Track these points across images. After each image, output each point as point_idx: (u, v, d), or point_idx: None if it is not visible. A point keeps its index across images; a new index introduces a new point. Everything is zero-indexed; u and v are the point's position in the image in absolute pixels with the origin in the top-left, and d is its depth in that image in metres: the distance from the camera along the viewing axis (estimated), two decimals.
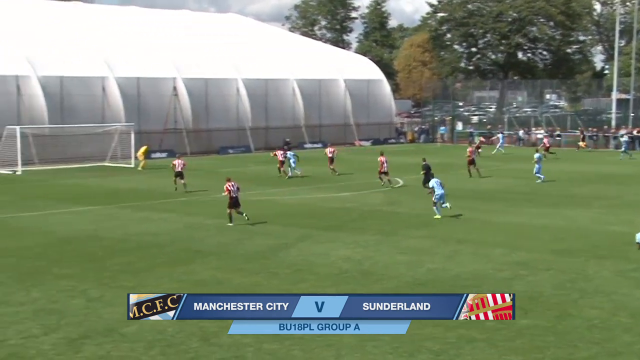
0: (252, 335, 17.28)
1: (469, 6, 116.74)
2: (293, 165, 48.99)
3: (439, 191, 33.05)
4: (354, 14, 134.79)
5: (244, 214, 31.30)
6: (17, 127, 52.73)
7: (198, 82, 68.21)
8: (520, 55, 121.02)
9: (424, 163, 42.49)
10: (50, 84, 59.66)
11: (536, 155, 47.08)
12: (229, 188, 31.16)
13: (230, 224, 31.12)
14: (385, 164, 43.48)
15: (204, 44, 76.47)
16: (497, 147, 68.68)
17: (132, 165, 54.77)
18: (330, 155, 50.66)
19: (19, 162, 51.58)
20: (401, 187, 44.07)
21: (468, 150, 50.09)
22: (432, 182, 33.59)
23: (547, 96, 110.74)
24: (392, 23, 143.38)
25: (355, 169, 53.65)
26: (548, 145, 64.29)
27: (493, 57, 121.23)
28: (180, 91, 66.66)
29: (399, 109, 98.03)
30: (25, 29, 66.38)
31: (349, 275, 23.08)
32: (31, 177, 49.32)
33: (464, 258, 25.50)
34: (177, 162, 42.51)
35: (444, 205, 33.07)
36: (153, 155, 59.48)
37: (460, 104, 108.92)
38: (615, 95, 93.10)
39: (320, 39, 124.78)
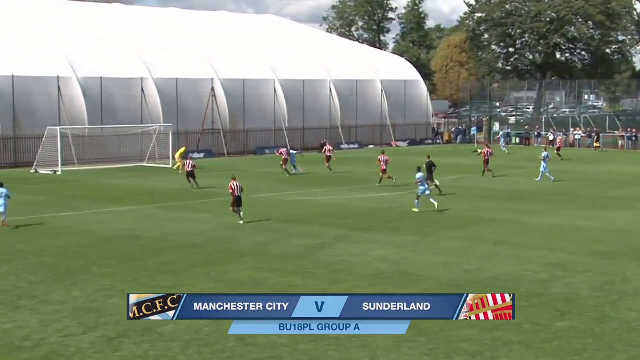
0: (288, 335, 17.32)
1: (507, 6, 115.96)
2: (294, 163, 51.17)
3: (422, 187, 34.60)
4: (391, 15, 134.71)
5: (241, 214, 31.79)
6: (58, 128, 53.18)
7: (236, 82, 68.44)
8: (558, 55, 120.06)
9: (427, 161, 41.87)
10: (90, 85, 60.17)
11: (543, 154, 47.29)
12: (232, 187, 31.65)
13: (241, 222, 31.49)
14: (382, 163, 44.38)
15: (242, 44, 76.80)
16: (501, 147, 68.50)
17: (170, 166, 55.11)
18: (329, 154, 52.23)
19: (59, 162, 52.04)
20: (436, 189, 43.83)
21: (484, 149, 50.62)
22: (419, 175, 35.02)
23: (586, 97, 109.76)
24: (430, 23, 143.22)
25: (392, 170, 53.48)
26: (559, 145, 64.57)
27: (531, 57, 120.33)
28: (217, 92, 66.94)
29: (435, 109, 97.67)
30: (66, 30, 67.10)
31: (386, 276, 23.03)
32: (71, 177, 49.81)
33: (501, 259, 25.34)
34: (188, 162, 44.05)
35: (431, 200, 34.63)
36: (189, 156, 59.63)
37: (498, 104, 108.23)
38: None
39: (357, 40, 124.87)
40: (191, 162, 44.30)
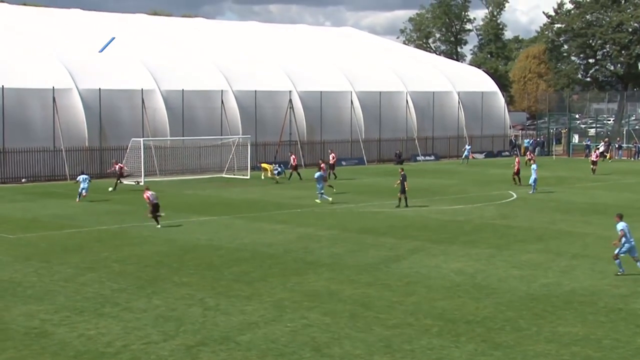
0: (363, 346, 17.37)
1: (588, 17, 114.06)
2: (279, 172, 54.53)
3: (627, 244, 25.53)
4: (468, 26, 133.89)
5: (159, 218, 34.02)
6: (141, 140, 54.17)
7: (313, 94, 68.84)
8: None
9: (402, 173, 40.66)
10: (172, 98, 61.15)
11: (534, 167, 47.94)
12: (149, 197, 34.23)
13: (159, 226, 33.64)
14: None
15: (319, 57, 77.20)
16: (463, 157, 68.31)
17: (248, 177, 55.60)
18: (332, 161, 56.19)
19: (142, 173, 52.90)
20: (514, 201, 43.37)
21: (516, 160, 52.03)
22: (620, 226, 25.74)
23: None
24: (508, 34, 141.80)
25: (469, 182, 53.16)
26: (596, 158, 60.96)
27: (612, 68, 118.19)
28: (295, 104, 67.41)
29: (513, 121, 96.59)
30: (150, 44, 68.30)
31: (462, 289, 22.86)
32: (153, 187, 50.25)
33: (579, 273, 24.94)
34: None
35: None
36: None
37: (577, 116, 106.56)
38: None
39: (434, 52, 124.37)
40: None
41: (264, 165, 56.27)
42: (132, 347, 17.48)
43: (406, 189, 40.33)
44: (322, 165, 48.41)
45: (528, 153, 66.07)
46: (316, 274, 24.74)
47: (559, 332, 18.56)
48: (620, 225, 25.15)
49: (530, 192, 45.71)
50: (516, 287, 23.13)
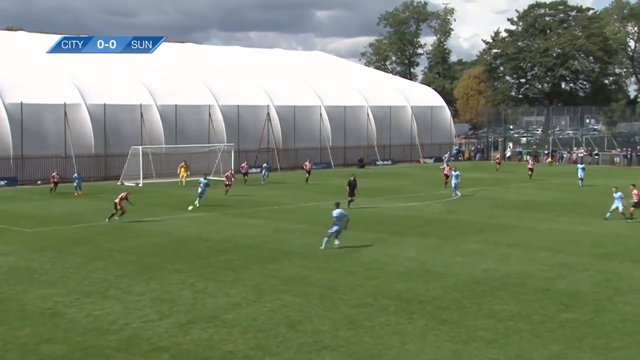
0: (330, 323, 17.36)
1: (519, 43, 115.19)
2: (265, 175, 53.94)
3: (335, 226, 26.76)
4: (420, 51, 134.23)
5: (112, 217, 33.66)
6: (140, 147, 53.89)
7: (287, 108, 68.72)
8: (563, 85, 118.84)
9: (351, 179, 39.40)
10: (167, 111, 60.83)
11: (454, 173, 44.72)
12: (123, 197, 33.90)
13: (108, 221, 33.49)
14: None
15: (293, 76, 77.09)
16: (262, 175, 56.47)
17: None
18: (306, 168, 55.29)
19: (141, 176, 52.68)
20: (458, 199, 43.58)
21: (444, 167, 49.99)
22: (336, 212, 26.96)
23: (587, 121, 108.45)
24: (453, 58, 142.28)
25: (420, 183, 53.34)
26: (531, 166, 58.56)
27: (540, 86, 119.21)
28: (272, 116, 67.25)
29: (457, 131, 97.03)
30: (148, 65, 67.83)
31: (414, 274, 22.92)
32: (150, 188, 50.35)
33: (513, 260, 25.11)
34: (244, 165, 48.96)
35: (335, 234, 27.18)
36: (250, 170, 60.17)
37: (511, 127, 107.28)
38: None
39: (391, 72, 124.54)
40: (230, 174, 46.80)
41: (182, 168, 52.53)
42: (133, 324, 17.38)
43: (355, 192, 38.83)
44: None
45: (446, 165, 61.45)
46: (290, 262, 24.71)
47: (496, 310, 18.67)
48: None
49: (453, 195, 43.77)
50: (460, 272, 23.24)
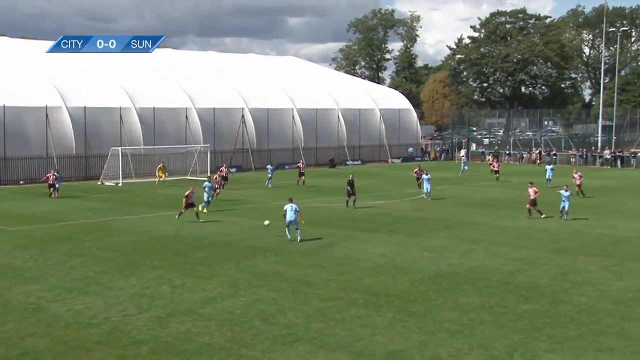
0: (303, 316, 17.38)
1: (482, 50, 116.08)
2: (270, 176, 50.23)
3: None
4: (388, 56, 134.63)
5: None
6: (120, 149, 53.41)
7: (261, 111, 68.57)
8: (523, 89, 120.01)
9: (351, 178, 38.75)
10: (145, 114, 60.37)
11: (425, 177, 42.74)
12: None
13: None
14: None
15: (267, 81, 76.89)
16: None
17: (207, 179, 54.96)
18: (301, 169, 51.66)
19: (120, 176, 52.20)
20: (425, 197, 43.71)
21: (415, 171, 47.75)
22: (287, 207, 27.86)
23: (545, 123, 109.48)
24: (419, 63, 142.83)
25: (389, 182, 53.52)
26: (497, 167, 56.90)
27: (501, 90, 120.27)
28: (247, 119, 67.04)
29: (424, 133, 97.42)
30: (127, 70, 67.42)
31: (383, 269, 23.02)
32: (130, 188, 49.99)
33: (477, 255, 25.31)
34: (223, 169, 46.77)
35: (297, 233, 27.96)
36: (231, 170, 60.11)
37: (474, 129, 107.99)
38: (601, 122, 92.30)
39: (360, 77, 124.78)
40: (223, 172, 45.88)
41: (160, 170, 51.64)
42: (113, 319, 17.27)
43: (355, 192, 38.26)
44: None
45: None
46: (265, 258, 24.69)
47: (460, 302, 18.81)
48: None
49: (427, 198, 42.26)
50: (427, 266, 23.38)
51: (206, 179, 39.95)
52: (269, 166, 52.60)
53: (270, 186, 49.44)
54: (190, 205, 32.90)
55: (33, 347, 15.32)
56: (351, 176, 39.48)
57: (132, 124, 59.67)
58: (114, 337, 15.95)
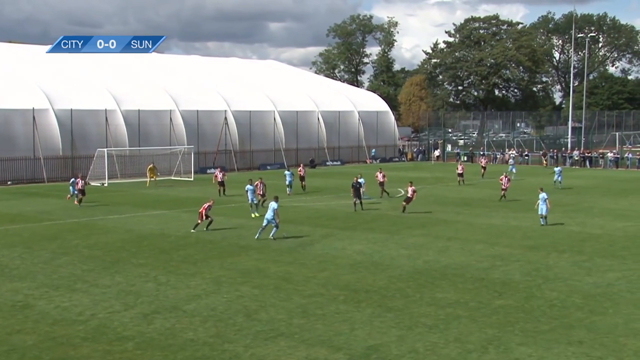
0: (284, 312, 17.35)
1: (457, 54, 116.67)
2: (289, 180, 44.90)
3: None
4: (366, 60, 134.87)
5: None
6: (105, 150, 53.08)
7: (243, 113, 68.38)
8: (496, 92, 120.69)
9: (355, 180, 37.71)
10: (130, 116, 59.99)
11: (361, 180, 39.15)
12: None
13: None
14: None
15: (248, 84, 76.69)
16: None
17: (192, 179, 54.95)
18: (301, 173, 47.44)
19: (106, 176, 51.85)
20: (402, 197, 43.80)
21: (377, 174, 44.98)
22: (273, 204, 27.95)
23: (518, 124, 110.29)
24: (396, 67, 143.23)
25: (367, 182, 53.43)
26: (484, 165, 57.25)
27: (475, 93, 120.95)
28: (229, 120, 66.85)
29: (401, 134, 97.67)
30: (113, 73, 67.00)
31: (362, 265, 23.04)
32: (115, 188, 49.68)
33: (453, 252, 25.40)
34: (218, 174, 45.44)
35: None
36: (208, 171, 59.96)
37: (450, 130, 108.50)
38: (570, 124, 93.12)
39: (339, 80, 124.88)
40: (221, 173, 45.37)
41: (150, 170, 51.11)
42: (99, 315, 17.15)
43: (361, 194, 36.96)
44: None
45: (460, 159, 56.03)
46: (247, 255, 24.64)
47: (437, 298, 18.87)
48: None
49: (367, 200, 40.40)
50: (404, 263, 23.44)
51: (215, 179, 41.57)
52: (286, 171, 46.45)
53: (289, 193, 44.21)
54: (206, 216, 30.75)
55: (20, 343, 15.17)
56: (356, 178, 37.94)
57: (118, 125, 59.29)
58: (100, 333, 15.83)
